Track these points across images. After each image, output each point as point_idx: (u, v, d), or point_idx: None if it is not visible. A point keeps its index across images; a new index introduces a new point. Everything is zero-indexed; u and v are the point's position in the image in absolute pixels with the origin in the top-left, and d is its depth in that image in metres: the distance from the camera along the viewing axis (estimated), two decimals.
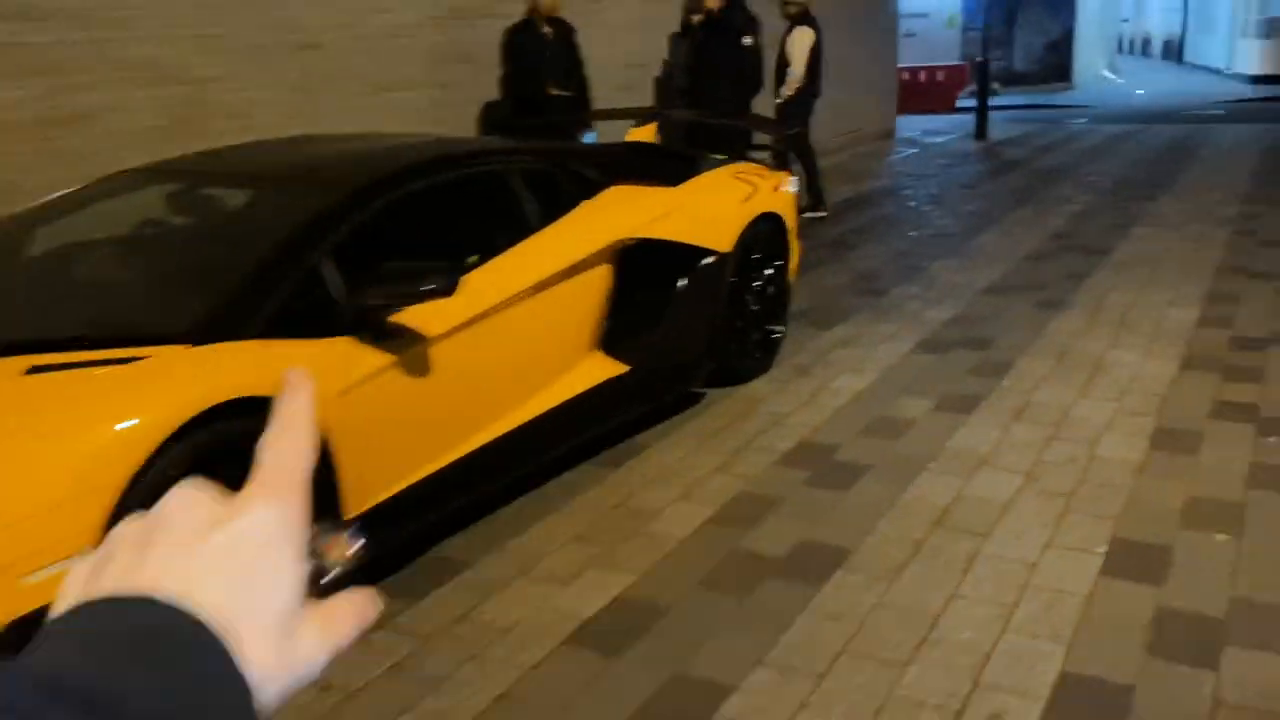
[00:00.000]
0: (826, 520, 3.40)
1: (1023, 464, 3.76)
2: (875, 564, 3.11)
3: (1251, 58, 22.24)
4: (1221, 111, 17.59)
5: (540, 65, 6.81)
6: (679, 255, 4.26)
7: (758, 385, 4.72)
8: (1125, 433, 4.00)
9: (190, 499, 0.48)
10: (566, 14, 7.05)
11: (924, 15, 22.71)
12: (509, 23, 6.96)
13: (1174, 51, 30.63)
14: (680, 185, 4.50)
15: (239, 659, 0.43)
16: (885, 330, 5.53)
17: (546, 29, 6.91)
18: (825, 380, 4.76)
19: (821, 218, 8.51)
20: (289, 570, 0.47)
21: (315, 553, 0.49)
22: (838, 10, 13.46)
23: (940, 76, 20.99)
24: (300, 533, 0.48)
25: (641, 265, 4.08)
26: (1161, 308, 5.70)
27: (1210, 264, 6.64)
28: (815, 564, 3.12)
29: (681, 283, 4.23)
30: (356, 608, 0.49)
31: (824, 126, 13.12)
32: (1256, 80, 21.57)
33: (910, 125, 16.87)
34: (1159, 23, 33.81)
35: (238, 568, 0.46)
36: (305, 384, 0.53)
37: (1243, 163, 11.28)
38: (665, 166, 4.80)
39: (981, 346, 5.18)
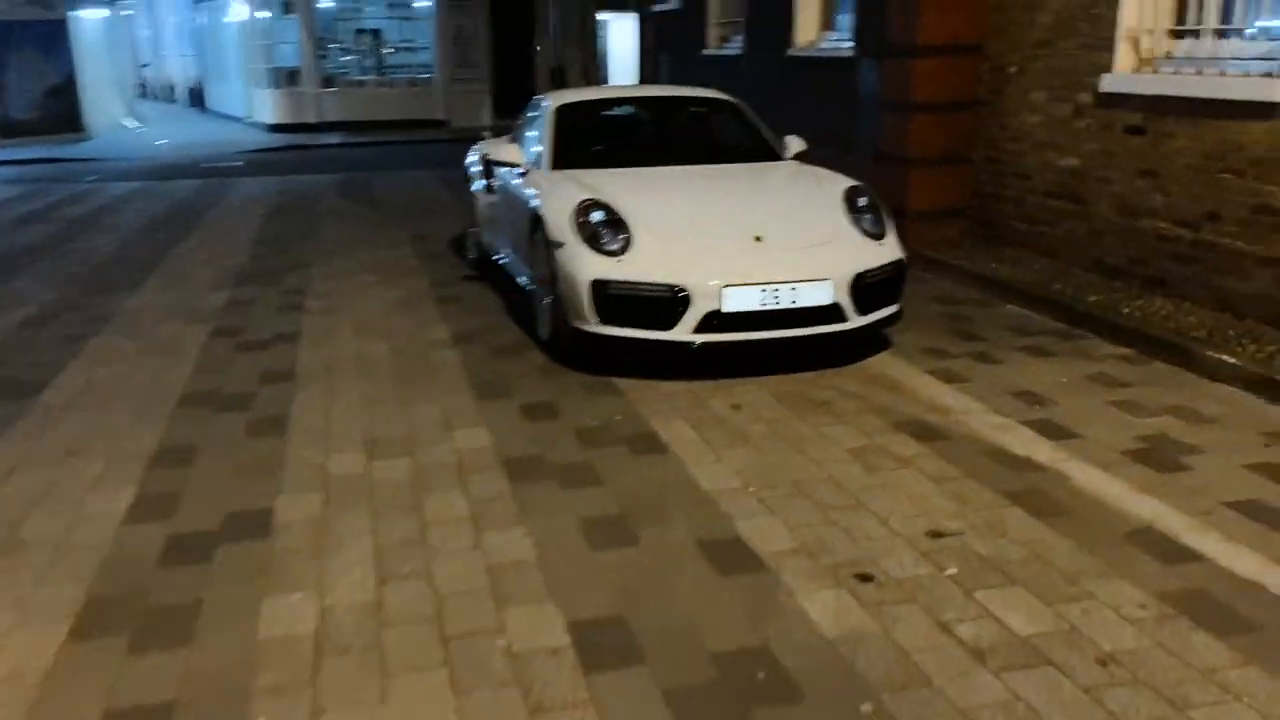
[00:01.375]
0: None
1: None
2: None
3: (267, 106, 22.25)
4: (240, 163, 16.90)
5: None
6: None
7: None
8: None
9: None
10: None
11: None
12: None
13: (199, 98, 29.96)
14: None
15: None
16: None
17: None
18: None
19: None
20: None
21: None
22: None
23: None
24: None
25: None
26: (82, 493, 3.89)
27: (174, 391, 5.08)
28: None
29: None
30: None
31: None
32: (274, 129, 21.63)
33: None
34: (179, 68, 32.94)
35: None
36: None
37: (249, 226, 10.27)
38: None
39: None
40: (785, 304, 5.07)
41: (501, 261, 7.20)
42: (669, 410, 4.77)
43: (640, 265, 5.12)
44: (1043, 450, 4.25)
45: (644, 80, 15.43)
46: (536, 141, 6.72)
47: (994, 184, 7.58)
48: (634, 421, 4.64)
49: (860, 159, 8.28)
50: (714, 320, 5.04)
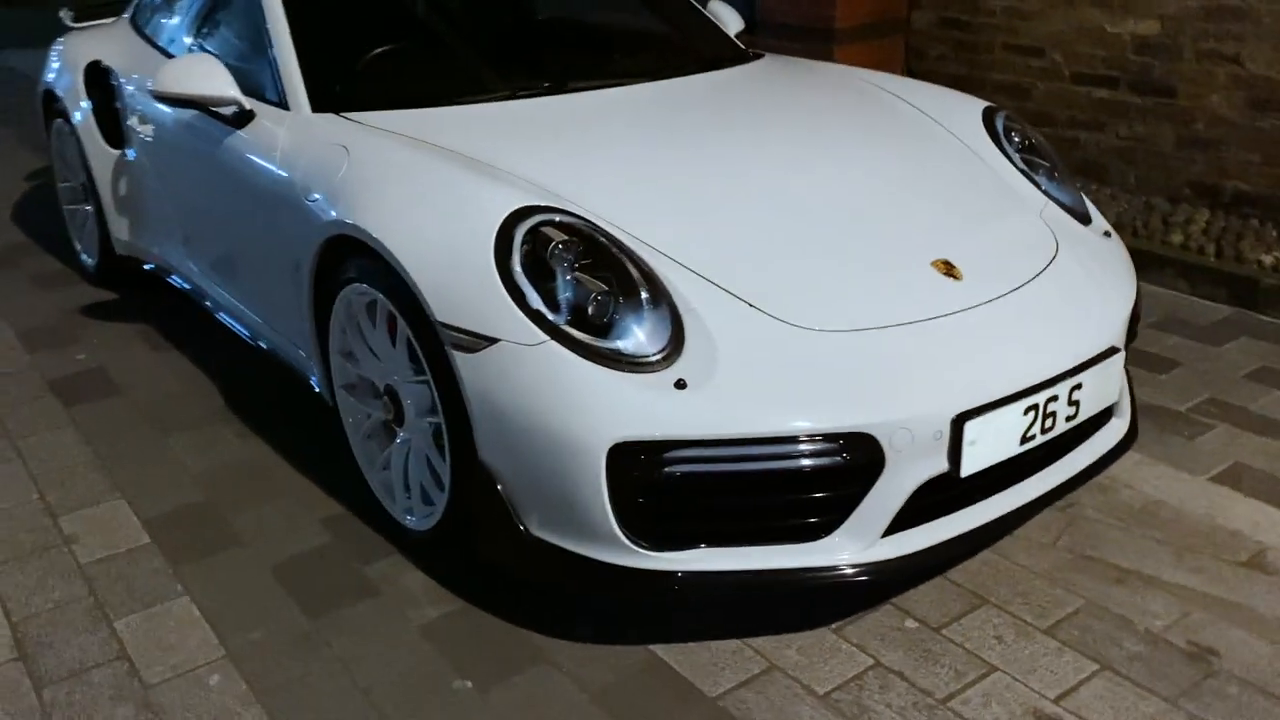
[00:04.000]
0: None
1: None
2: None
3: None
4: None
5: None
6: None
7: None
8: None
9: None
10: None
11: None
12: None
13: None
14: None
15: None
16: None
17: None
18: None
19: None
20: None
21: None
22: None
23: None
24: None
25: None
26: None
27: None
28: None
29: None
30: None
31: None
32: None
33: None
34: None
35: None
36: None
37: None
38: None
39: None
40: (1061, 425, 2.18)
41: (178, 282, 3.56)
42: None
43: (732, 391, 1.95)
44: None
45: None
46: (247, 46, 3.07)
47: (962, 61, 4.96)
48: None
49: None
50: (934, 496, 2.05)
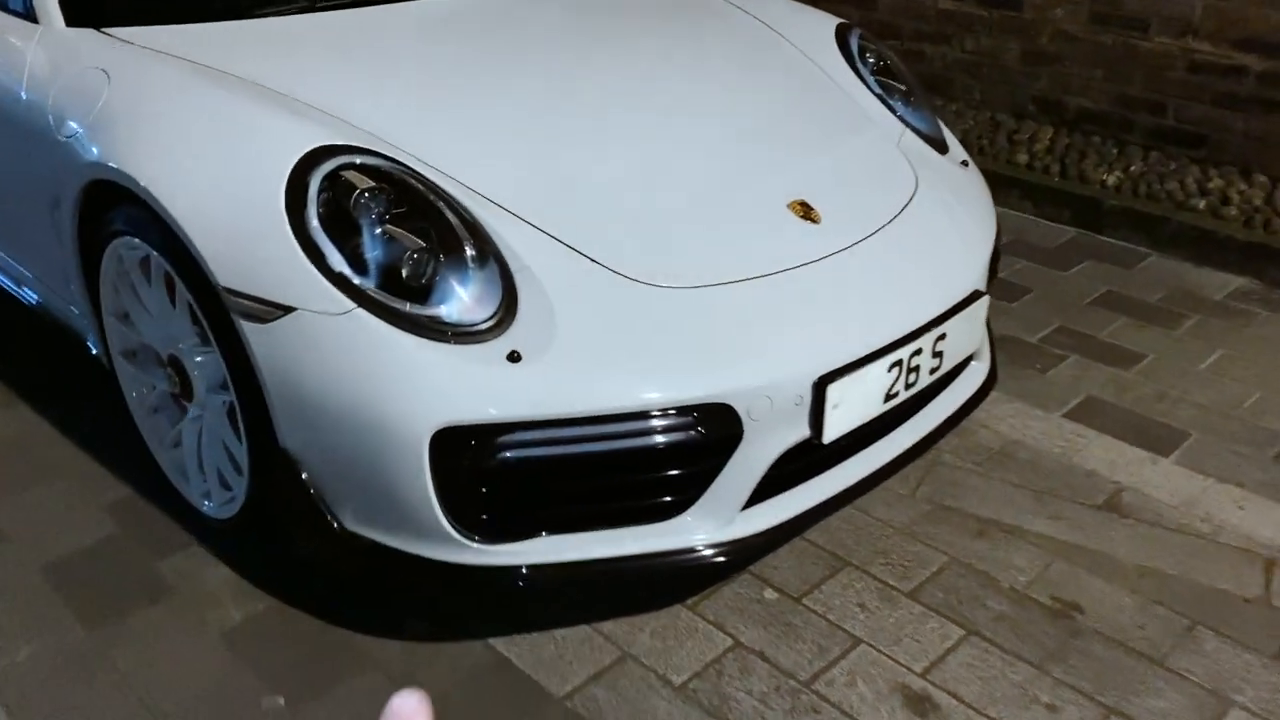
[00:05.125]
0: None
1: None
2: None
3: None
4: None
5: None
6: None
7: None
8: None
9: None
10: None
11: None
12: None
13: None
14: None
15: None
16: None
17: None
18: None
19: None
20: None
21: None
22: None
23: None
24: None
25: None
26: None
27: None
28: None
29: None
30: None
31: None
32: None
33: None
34: None
35: None
36: None
37: None
38: None
39: None
40: (925, 378, 2.03)
41: None
42: None
43: (573, 362, 1.71)
44: None
45: None
46: None
47: None
48: None
49: None
50: (794, 463, 1.89)
